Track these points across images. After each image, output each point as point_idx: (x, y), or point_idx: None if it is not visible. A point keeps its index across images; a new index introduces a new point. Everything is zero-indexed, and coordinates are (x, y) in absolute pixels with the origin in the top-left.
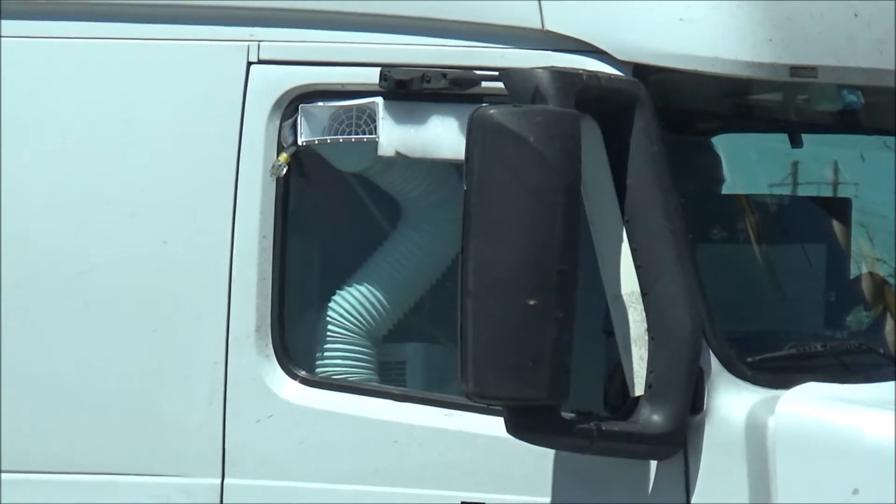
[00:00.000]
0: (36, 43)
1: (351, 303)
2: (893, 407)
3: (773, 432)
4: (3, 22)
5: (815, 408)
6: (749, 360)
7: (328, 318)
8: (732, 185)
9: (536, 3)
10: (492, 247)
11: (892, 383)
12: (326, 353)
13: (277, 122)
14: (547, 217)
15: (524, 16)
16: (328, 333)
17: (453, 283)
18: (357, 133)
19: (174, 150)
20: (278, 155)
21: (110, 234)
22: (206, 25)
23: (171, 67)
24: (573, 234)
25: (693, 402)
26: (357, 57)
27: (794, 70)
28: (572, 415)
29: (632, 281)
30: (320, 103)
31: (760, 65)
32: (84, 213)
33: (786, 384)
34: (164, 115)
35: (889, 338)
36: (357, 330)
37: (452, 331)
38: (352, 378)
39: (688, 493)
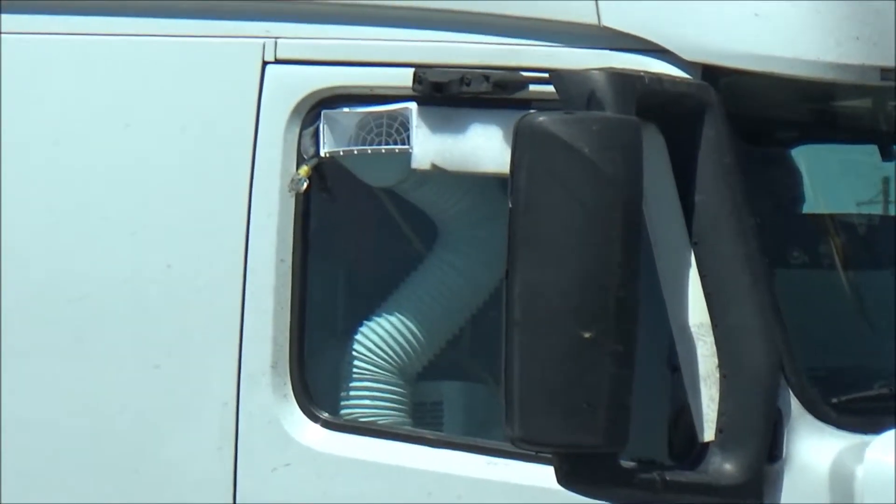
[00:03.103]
0: (27, 40)
1: (380, 335)
2: None
3: (861, 483)
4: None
5: None
6: (833, 400)
7: (354, 353)
8: (815, 202)
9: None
10: (541, 271)
11: None
12: (352, 393)
13: (297, 131)
14: (604, 238)
15: (578, 10)
16: (354, 370)
17: (497, 312)
18: (387, 143)
19: (180, 160)
20: (298, 167)
21: (107, 255)
22: (214, 20)
23: (175, 68)
24: (634, 258)
25: (770, 449)
26: (387, 56)
27: (885, 72)
28: (632, 463)
29: (700, 311)
30: (345, 109)
31: (846, 66)
32: (77, 232)
33: (875, 428)
34: (169, 121)
35: None
36: (387, 366)
37: (496, 367)
38: (381, 421)
39: None
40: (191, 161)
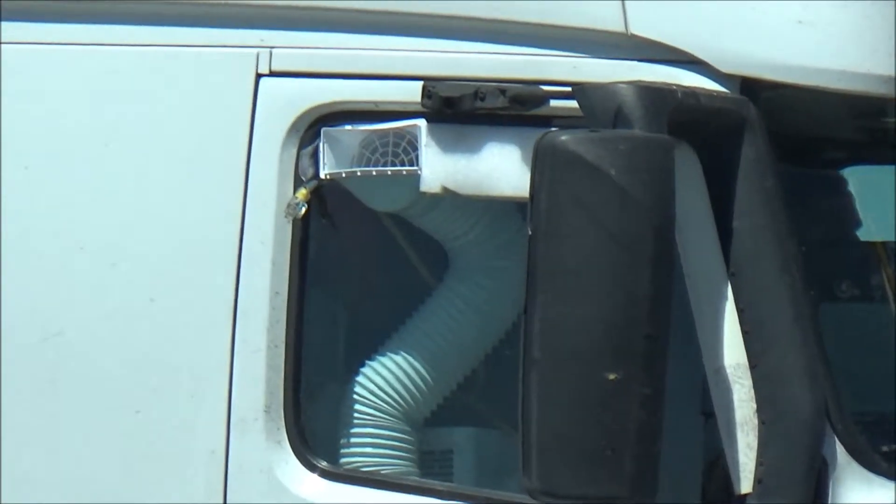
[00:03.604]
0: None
1: (385, 377)
2: None
3: None
4: None
5: None
6: (883, 448)
7: (356, 396)
8: (866, 229)
9: (619, 1)
10: (563, 306)
11: None
12: (353, 440)
13: (294, 150)
14: (632, 269)
15: (603, 17)
16: (356, 415)
17: (514, 351)
18: (394, 163)
19: (164, 183)
20: (295, 191)
21: (85, 288)
22: (201, 28)
23: (158, 81)
24: (664, 291)
25: (814, 502)
26: (394, 68)
27: None
28: None
29: (738, 350)
30: (348, 126)
31: None
32: (52, 262)
33: None
34: (152, 140)
35: None
36: (392, 411)
37: (512, 412)
38: (385, 471)
39: None
40: (176, 184)
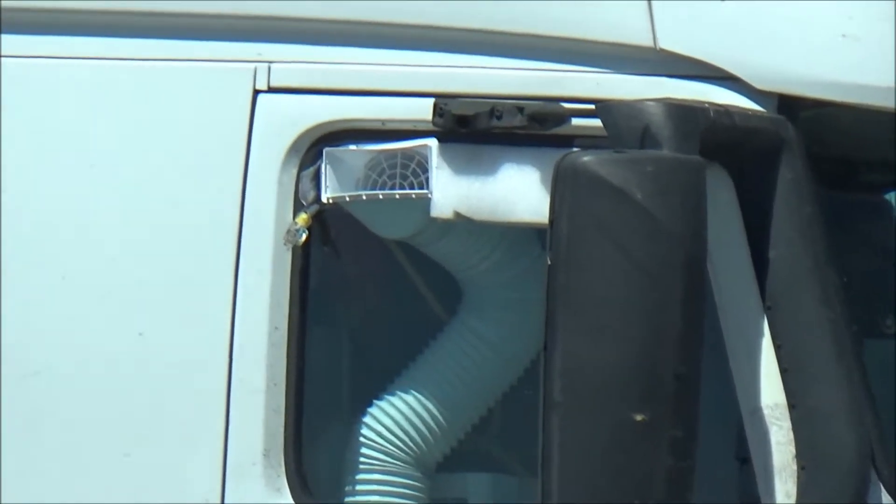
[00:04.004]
0: None
1: (393, 418)
2: None
3: None
4: None
5: None
6: None
7: (362, 439)
8: None
9: (646, 13)
10: (586, 341)
11: None
12: (359, 487)
13: (294, 172)
14: (660, 301)
15: (630, 30)
16: (362, 459)
17: (533, 391)
18: (402, 187)
19: (154, 208)
20: (295, 216)
21: (68, 322)
22: (194, 41)
23: (147, 98)
24: (695, 326)
25: None
26: (402, 84)
27: None
28: None
29: (775, 389)
30: (352, 147)
31: None
32: (30, 293)
33: None
34: (140, 161)
35: None
36: (401, 455)
37: (531, 457)
38: None
39: None
40: (167, 209)
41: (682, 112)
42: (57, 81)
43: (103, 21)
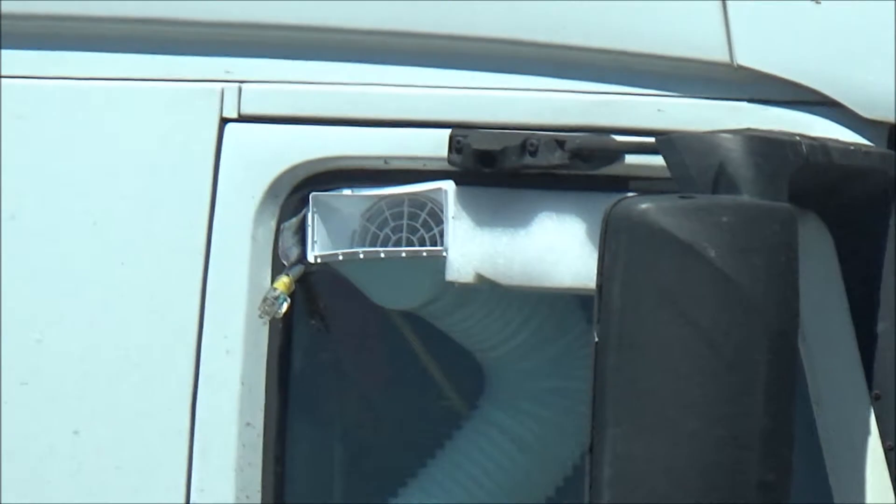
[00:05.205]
0: None
1: None
2: None
3: None
4: None
5: None
6: None
7: None
8: None
9: (720, 20)
10: (643, 443)
11: None
12: None
13: (272, 224)
14: (739, 391)
15: (700, 43)
16: None
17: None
18: (410, 243)
19: (92, 271)
20: (273, 280)
21: None
22: (144, 55)
23: (84, 125)
24: (784, 422)
25: None
26: (410, 110)
27: None
28: None
29: (885, 498)
30: (346, 191)
31: None
32: None
33: None
34: (76, 209)
35: None
36: None
37: None
38: None
39: None
40: (111, 269)
41: (766, 147)
42: None
43: (38, 30)
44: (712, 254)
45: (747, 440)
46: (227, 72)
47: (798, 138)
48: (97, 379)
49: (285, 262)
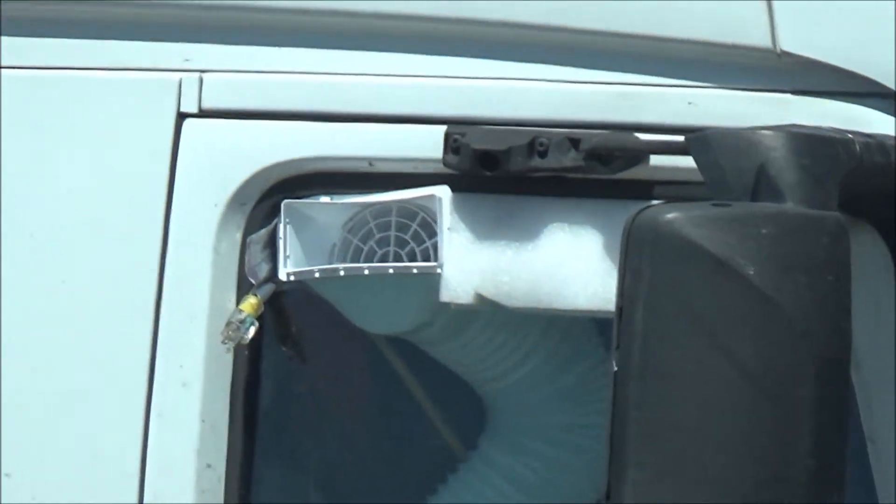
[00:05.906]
0: None
1: None
2: None
3: None
4: None
5: None
6: None
7: None
8: None
9: (762, 1)
10: (668, 486)
11: None
12: None
13: (238, 236)
14: (781, 427)
15: (738, 26)
16: None
17: None
18: (399, 258)
19: (40, 287)
20: (239, 301)
21: None
22: (88, 39)
23: (24, 120)
24: (834, 462)
25: None
26: (399, 104)
27: None
28: None
29: None
30: (324, 199)
31: None
32: None
33: None
34: (20, 217)
35: None
36: None
37: None
38: None
39: None
40: (47, 289)
41: (814, 146)
42: None
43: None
44: (750, 271)
45: (792, 485)
46: (187, 60)
47: (850, 135)
48: (32, 415)
49: (253, 281)
